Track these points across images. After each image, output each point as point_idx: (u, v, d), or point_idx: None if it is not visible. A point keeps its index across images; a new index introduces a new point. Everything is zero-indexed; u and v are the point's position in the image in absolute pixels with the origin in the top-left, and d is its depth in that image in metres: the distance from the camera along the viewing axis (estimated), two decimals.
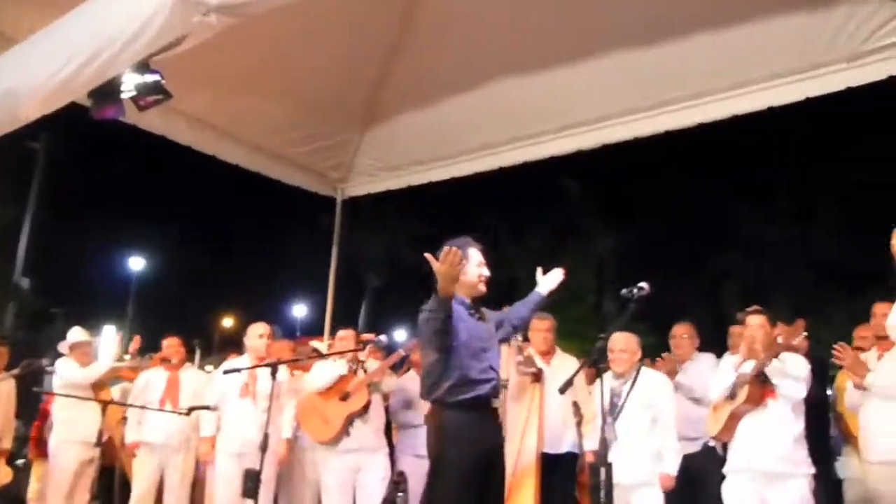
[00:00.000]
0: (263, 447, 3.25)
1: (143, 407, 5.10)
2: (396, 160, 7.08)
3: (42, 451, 5.66)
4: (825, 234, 18.48)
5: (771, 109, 5.37)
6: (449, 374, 3.14)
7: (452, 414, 3.13)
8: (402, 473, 4.51)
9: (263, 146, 6.67)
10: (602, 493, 2.54)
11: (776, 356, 3.80)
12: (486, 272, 3.35)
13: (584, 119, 6.12)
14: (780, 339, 3.81)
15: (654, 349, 5.27)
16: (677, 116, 5.74)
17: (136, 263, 21.10)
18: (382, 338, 3.65)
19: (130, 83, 4.12)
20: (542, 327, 4.82)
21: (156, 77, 4.15)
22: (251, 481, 3.18)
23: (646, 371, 4.39)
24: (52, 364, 5.58)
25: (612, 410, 4.21)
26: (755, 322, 3.94)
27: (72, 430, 5.35)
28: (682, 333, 5.00)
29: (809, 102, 5.20)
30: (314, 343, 5.69)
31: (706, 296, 17.93)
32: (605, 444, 2.68)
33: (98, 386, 5.47)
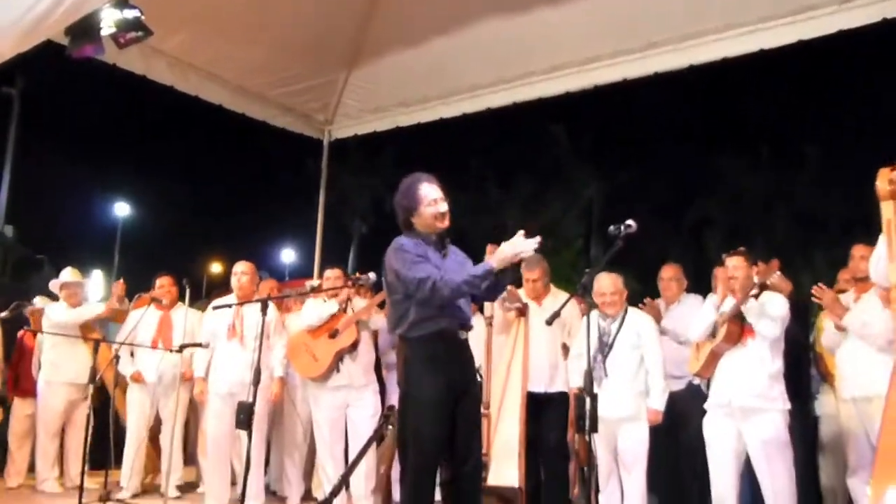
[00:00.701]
0: (256, 381, 3.30)
1: (134, 345, 5.12)
2: (383, 101, 7.01)
3: (22, 390, 5.72)
4: (809, 181, 18.61)
5: (759, 56, 5.34)
6: (413, 310, 3.16)
7: (417, 347, 3.16)
8: (392, 407, 4.56)
9: (247, 87, 6.57)
10: (587, 423, 2.61)
11: (754, 296, 3.88)
12: (442, 208, 3.23)
13: (572, 60, 6.06)
14: (756, 279, 3.88)
15: (639, 296, 5.34)
16: (667, 58, 5.70)
17: (122, 209, 20.97)
18: (371, 275, 3.68)
19: (109, 19, 4.04)
20: (531, 277, 4.87)
21: (135, 13, 4.07)
22: (244, 414, 3.24)
23: (633, 311, 4.48)
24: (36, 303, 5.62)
25: (602, 349, 4.31)
26: (733, 263, 4.01)
27: (60, 370, 5.43)
28: (669, 276, 5.06)
29: (797, 48, 5.18)
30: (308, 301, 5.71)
31: (689, 242, 18.11)
32: (590, 376, 2.75)
33: (87, 328, 5.51)
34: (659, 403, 4.20)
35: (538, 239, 3.03)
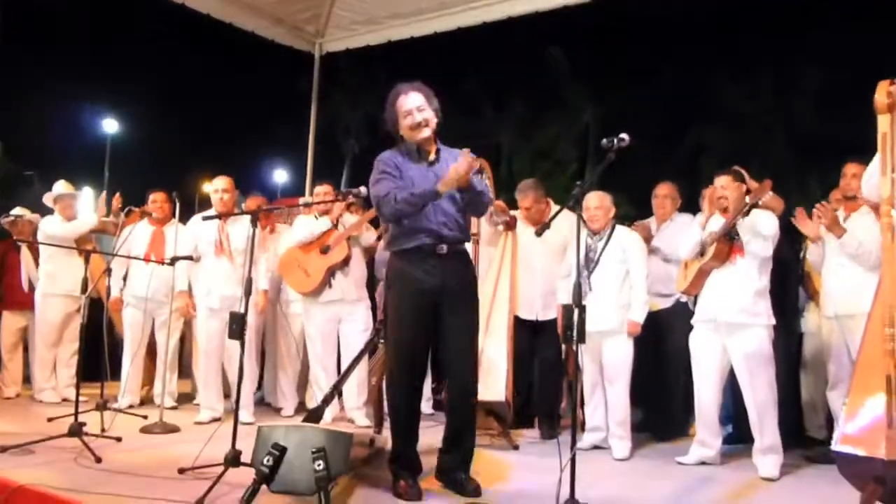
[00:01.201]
0: (248, 292, 3.31)
1: (127, 257, 5.12)
2: (375, 12, 6.81)
3: (11, 303, 5.79)
4: (805, 106, 18.40)
5: None
6: (391, 226, 3.29)
7: (397, 261, 3.27)
8: (383, 320, 4.62)
9: None
10: (574, 333, 2.65)
11: (745, 214, 3.88)
12: (417, 118, 3.20)
13: None
14: (748, 198, 3.88)
15: (632, 220, 5.35)
16: None
17: (110, 126, 20.61)
18: (362, 189, 3.63)
19: None
20: (523, 205, 4.88)
21: None
22: (236, 324, 3.26)
23: (620, 228, 4.49)
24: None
25: (588, 264, 4.34)
26: (721, 182, 3.99)
27: (56, 282, 5.51)
28: (664, 193, 5.04)
29: None
30: (300, 217, 5.67)
31: (685, 168, 18.03)
32: (578, 288, 2.77)
33: (81, 241, 5.50)
34: (638, 315, 4.28)
35: (466, 151, 3.08)
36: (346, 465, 2.83)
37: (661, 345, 4.79)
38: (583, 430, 4.38)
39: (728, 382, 4.13)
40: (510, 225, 4.85)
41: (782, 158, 18.13)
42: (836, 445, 2.73)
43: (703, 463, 4.02)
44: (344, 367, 4.83)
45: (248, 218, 4.99)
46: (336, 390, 3.70)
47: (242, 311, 3.27)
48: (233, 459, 3.18)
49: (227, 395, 5.20)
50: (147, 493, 2.97)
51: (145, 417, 4.70)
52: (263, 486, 2.84)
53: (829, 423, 4.49)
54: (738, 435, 4.46)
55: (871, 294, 2.92)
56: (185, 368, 6.23)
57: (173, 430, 4.52)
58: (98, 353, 5.18)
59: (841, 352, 4.11)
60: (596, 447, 4.39)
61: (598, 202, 4.39)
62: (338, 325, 4.98)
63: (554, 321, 4.68)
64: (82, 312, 4.44)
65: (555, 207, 4.82)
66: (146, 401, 5.63)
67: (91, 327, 4.95)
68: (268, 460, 2.82)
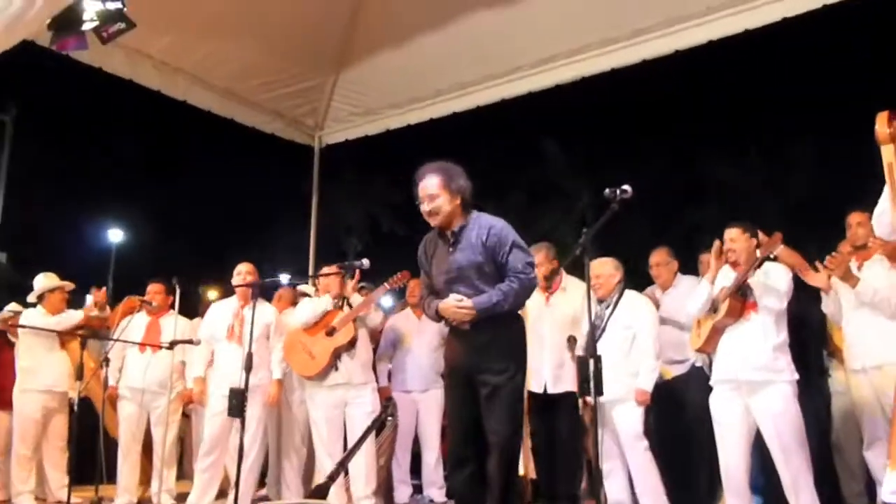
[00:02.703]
0: (248, 367, 3.20)
1: (123, 341, 5.00)
2: (372, 103, 6.98)
3: (3, 403, 5.50)
4: (797, 177, 18.64)
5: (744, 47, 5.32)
6: None
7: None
8: (390, 398, 4.48)
9: (235, 90, 6.53)
10: (591, 385, 2.52)
11: (757, 267, 3.80)
12: (425, 208, 3.35)
13: (559, 52, 6.04)
14: (758, 252, 3.81)
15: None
16: (654, 45, 5.68)
17: (115, 235, 20.87)
18: (365, 261, 3.58)
19: (91, 11, 3.97)
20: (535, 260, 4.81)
21: (118, 4, 4.00)
22: (235, 399, 3.13)
23: (629, 294, 4.40)
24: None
25: (594, 332, 4.22)
26: (731, 235, 3.93)
27: (35, 378, 5.20)
28: (657, 261, 4.94)
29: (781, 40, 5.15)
30: (301, 287, 5.62)
31: (682, 244, 18.05)
32: (592, 339, 2.66)
33: (65, 336, 5.32)
34: (646, 383, 4.13)
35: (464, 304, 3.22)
36: None
37: (680, 413, 4.58)
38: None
39: (754, 447, 3.92)
40: None
41: (780, 228, 18.23)
42: (886, 497, 2.53)
43: None
44: (354, 476, 4.63)
45: (265, 304, 5.01)
46: (343, 467, 3.48)
47: (242, 386, 3.13)
48: None
49: (224, 494, 4.94)
50: None
51: None
52: None
53: (870, 488, 4.25)
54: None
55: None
56: (185, 472, 5.98)
57: None
58: (93, 454, 4.97)
59: (874, 407, 3.93)
60: None
61: (599, 269, 4.31)
62: (344, 410, 4.79)
63: (566, 395, 4.51)
64: (66, 411, 4.20)
65: (572, 285, 4.76)
66: (143, 501, 5.35)
67: (84, 429, 4.79)
68: None
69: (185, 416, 5.61)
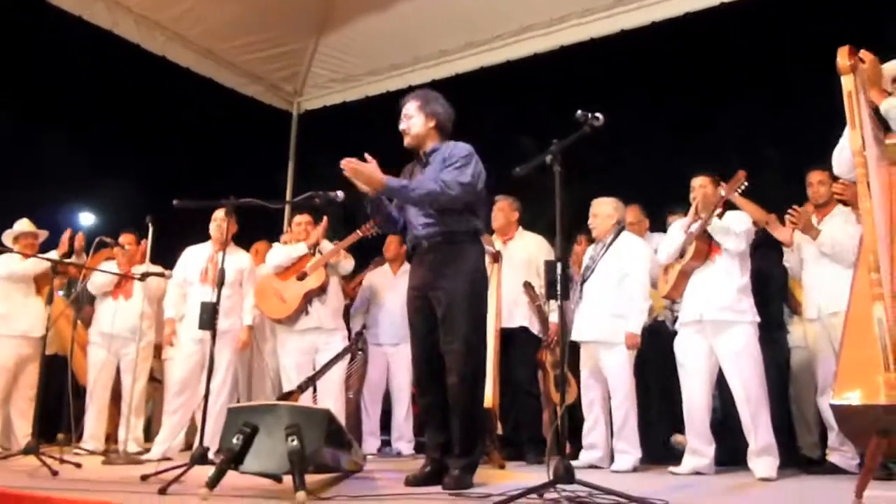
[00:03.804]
0: (220, 281, 3.21)
1: (104, 271, 4.96)
2: (352, 70, 7.03)
3: None
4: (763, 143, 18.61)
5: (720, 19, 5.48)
6: None
7: None
8: (360, 333, 4.52)
9: (215, 51, 6.54)
10: (558, 289, 2.57)
11: (718, 214, 3.92)
12: (400, 126, 3.43)
13: (540, 21, 6.14)
14: (722, 192, 3.92)
15: None
16: (633, 16, 5.80)
17: (86, 219, 20.54)
18: (339, 193, 3.60)
19: None
20: (498, 207, 4.94)
21: None
22: (207, 313, 3.14)
23: (625, 235, 4.44)
24: None
25: (584, 273, 4.31)
26: (698, 182, 4.05)
27: (10, 323, 5.12)
28: (630, 220, 5.00)
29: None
30: (276, 245, 5.60)
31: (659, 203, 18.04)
32: (563, 246, 2.70)
33: (42, 282, 5.27)
34: (634, 326, 4.16)
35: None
36: (321, 442, 2.65)
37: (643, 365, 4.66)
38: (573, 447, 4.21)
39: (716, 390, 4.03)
40: (495, 258, 4.86)
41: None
42: (832, 400, 2.62)
43: (696, 473, 3.84)
44: (320, 398, 4.66)
45: (240, 251, 5.01)
46: (311, 382, 3.53)
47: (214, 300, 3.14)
48: (200, 456, 2.99)
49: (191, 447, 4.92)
50: (109, 491, 2.74)
51: (105, 454, 4.41)
52: (232, 469, 2.64)
53: (823, 440, 4.36)
54: (725, 457, 4.26)
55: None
56: (151, 427, 5.94)
57: (138, 462, 4.23)
58: (59, 410, 4.90)
59: (828, 354, 4.03)
60: (593, 466, 4.18)
61: (597, 208, 4.41)
62: (314, 356, 4.81)
63: (519, 330, 4.71)
64: (39, 360, 4.13)
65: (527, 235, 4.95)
66: (110, 450, 5.29)
67: (51, 384, 4.69)
68: (237, 439, 2.64)
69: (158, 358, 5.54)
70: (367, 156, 3.25)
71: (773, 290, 4.68)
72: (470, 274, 3.20)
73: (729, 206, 4.09)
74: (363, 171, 3.19)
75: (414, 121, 3.39)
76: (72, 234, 5.18)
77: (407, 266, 5.72)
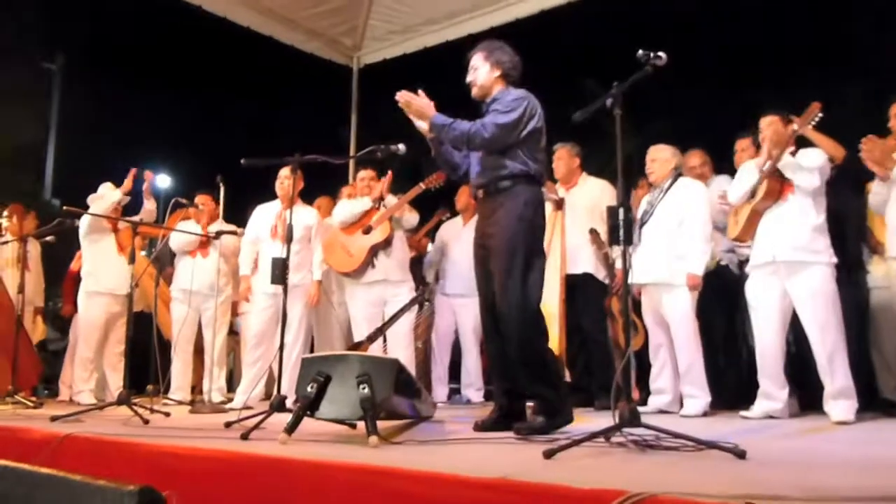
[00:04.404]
0: (289, 238, 3.31)
1: (174, 230, 5.16)
2: (409, 20, 6.96)
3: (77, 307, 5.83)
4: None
5: None
6: None
7: None
8: (427, 283, 4.59)
9: (274, 8, 6.58)
10: (621, 233, 2.54)
11: (791, 152, 3.76)
12: (468, 79, 3.39)
13: None
14: (794, 127, 3.75)
15: None
16: None
17: (163, 181, 21.33)
18: (401, 146, 3.62)
19: None
20: (558, 156, 4.89)
21: None
22: (277, 269, 3.26)
23: (683, 180, 4.36)
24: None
25: (643, 216, 4.26)
26: (766, 121, 3.89)
27: (98, 281, 5.43)
28: (692, 163, 4.86)
29: None
30: (342, 200, 5.68)
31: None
32: (625, 190, 2.65)
33: (124, 242, 5.50)
34: (696, 268, 4.09)
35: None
36: (390, 390, 2.74)
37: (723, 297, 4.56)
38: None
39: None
40: (558, 205, 4.85)
41: None
42: None
43: (769, 417, 3.78)
44: (390, 350, 4.78)
45: (308, 207, 5.15)
46: (380, 332, 3.64)
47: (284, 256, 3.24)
48: (278, 404, 3.13)
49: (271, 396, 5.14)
50: (196, 437, 2.91)
51: (191, 403, 4.67)
52: (308, 416, 2.76)
53: None
54: (802, 403, 4.17)
55: None
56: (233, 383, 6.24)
57: (222, 410, 4.47)
58: (147, 364, 5.18)
59: None
60: (662, 412, 4.18)
61: (652, 154, 4.35)
62: (383, 308, 4.92)
63: (584, 276, 4.70)
64: (127, 316, 4.36)
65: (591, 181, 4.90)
66: (196, 400, 5.60)
67: (139, 339, 4.95)
68: (312, 388, 2.75)
69: (235, 315, 5.80)
70: (419, 91, 3.29)
71: (850, 228, 4.49)
72: (514, 222, 3.13)
73: (803, 143, 3.92)
74: (414, 103, 3.24)
75: (480, 72, 3.36)
76: (136, 175, 5.37)
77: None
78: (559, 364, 4.10)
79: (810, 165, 3.68)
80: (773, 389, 3.80)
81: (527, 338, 3.07)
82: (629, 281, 2.64)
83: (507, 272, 3.10)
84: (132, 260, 4.12)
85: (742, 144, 4.59)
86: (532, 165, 3.21)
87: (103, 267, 5.43)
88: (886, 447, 2.77)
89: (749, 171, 3.99)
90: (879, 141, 3.85)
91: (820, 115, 3.68)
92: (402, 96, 3.24)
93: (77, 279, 5.74)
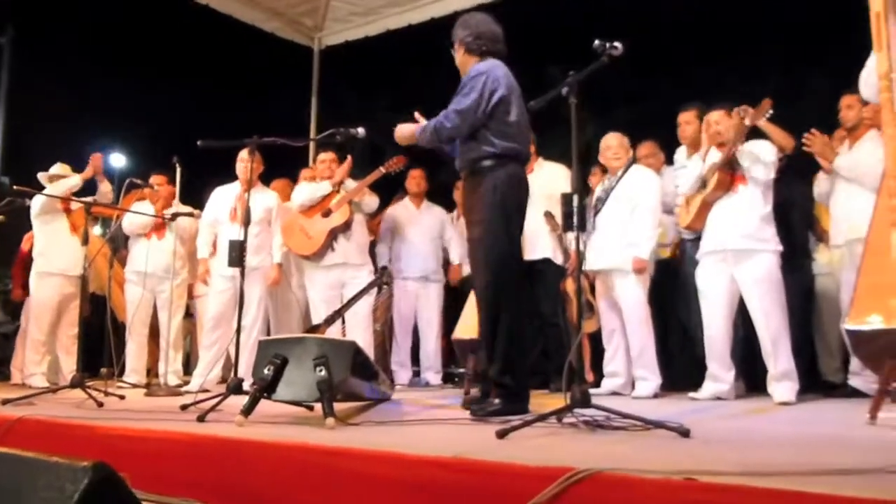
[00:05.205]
0: (246, 221, 3.30)
1: (130, 210, 5.09)
2: (372, 2, 6.90)
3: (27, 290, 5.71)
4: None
5: None
6: None
7: None
8: (385, 267, 4.62)
9: None
10: (574, 220, 2.60)
11: (743, 140, 3.87)
12: None
13: None
14: (747, 121, 3.85)
15: None
16: None
17: (117, 160, 20.83)
18: (360, 130, 3.62)
19: None
20: None
21: None
22: (235, 251, 3.25)
23: (636, 168, 4.47)
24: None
25: (597, 204, 4.34)
26: (714, 117, 4.01)
27: (50, 262, 5.33)
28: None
29: None
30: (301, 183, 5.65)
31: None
32: (579, 179, 2.72)
33: (77, 222, 5.41)
34: (644, 252, 4.22)
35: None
36: (347, 372, 2.77)
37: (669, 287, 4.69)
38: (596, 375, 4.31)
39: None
40: None
41: None
42: (847, 325, 2.66)
43: (717, 398, 3.92)
44: (348, 331, 4.80)
45: (267, 190, 5.10)
46: (338, 314, 3.67)
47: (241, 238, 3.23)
48: (235, 387, 3.13)
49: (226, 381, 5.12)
50: (151, 420, 2.90)
51: (147, 386, 4.63)
52: (265, 398, 2.78)
53: (846, 365, 4.39)
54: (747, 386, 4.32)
55: None
56: (190, 362, 6.19)
57: (178, 393, 4.44)
58: (102, 346, 5.10)
59: (852, 280, 4.02)
60: (615, 394, 4.29)
61: (617, 141, 4.42)
62: (341, 291, 4.92)
63: (542, 262, 4.75)
64: (79, 298, 4.28)
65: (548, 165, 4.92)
66: (151, 383, 5.55)
67: (92, 321, 4.86)
68: (268, 370, 2.77)
69: (192, 298, 5.75)
70: (416, 114, 3.35)
71: (797, 217, 4.65)
72: (485, 209, 3.11)
73: (753, 135, 4.04)
74: (399, 135, 3.33)
75: (455, 53, 3.37)
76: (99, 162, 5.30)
77: (428, 202, 5.78)
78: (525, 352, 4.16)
79: (766, 159, 3.80)
80: (720, 372, 3.94)
81: (488, 313, 3.10)
82: (584, 267, 2.72)
83: (480, 259, 3.14)
84: (86, 241, 4.05)
85: (686, 117, 4.66)
86: (500, 144, 3.12)
87: (56, 248, 5.33)
88: (823, 426, 2.90)
89: (696, 162, 4.10)
90: (821, 136, 4.00)
91: (770, 111, 3.79)
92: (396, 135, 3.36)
93: (27, 262, 5.63)
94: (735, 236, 3.84)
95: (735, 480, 1.43)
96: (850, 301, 2.80)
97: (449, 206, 5.96)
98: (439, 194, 6.09)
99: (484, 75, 3.14)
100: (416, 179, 5.61)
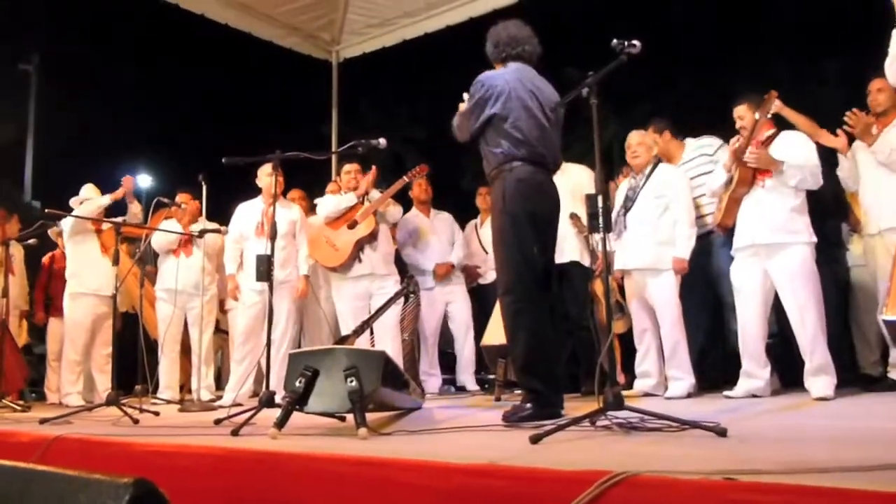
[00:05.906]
0: (273, 234, 3.33)
1: (157, 230, 5.16)
2: (387, 13, 6.95)
3: (57, 310, 5.82)
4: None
5: None
6: None
7: None
8: (411, 276, 4.61)
9: (250, 4, 6.55)
10: (600, 221, 2.58)
11: (771, 132, 3.83)
12: None
13: None
14: (756, 115, 3.81)
15: None
16: None
17: (144, 181, 21.18)
18: (382, 140, 3.64)
19: None
20: None
21: None
22: (262, 265, 3.27)
23: (662, 166, 4.43)
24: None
25: (626, 203, 4.31)
26: (738, 112, 3.98)
27: (82, 283, 5.44)
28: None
29: None
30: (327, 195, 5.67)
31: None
32: (602, 180, 2.70)
33: (107, 243, 5.51)
34: (683, 252, 4.15)
35: None
36: (378, 382, 2.77)
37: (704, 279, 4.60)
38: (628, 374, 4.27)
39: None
40: None
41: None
42: (885, 315, 2.60)
43: (752, 396, 3.85)
44: (377, 342, 4.80)
45: (291, 204, 5.14)
46: (366, 325, 3.67)
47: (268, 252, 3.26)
48: (268, 400, 3.15)
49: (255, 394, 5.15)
50: (186, 435, 2.93)
51: (181, 402, 4.68)
52: (297, 411, 2.79)
53: (885, 357, 4.30)
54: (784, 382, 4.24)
55: None
56: (222, 378, 6.25)
57: (211, 408, 4.49)
58: (135, 364, 5.17)
59: (888, 268, 3.94)
60: (647, 395, 4.24)
61: (639, 138, 4.39)
62: (369, 302, 4.95)
63: (570, 265, 4.69)
64: (112, 318, 4.35)
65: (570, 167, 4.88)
66: (185, 399, 5.61)
67: (125, 339, 4.94)
68: (300, 382, 2.78)
69: (223, 312, 5.81)
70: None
71: (829, 207, 4.56)
72: (497, 216, 3.21)
73: (781, 125, 3.99)
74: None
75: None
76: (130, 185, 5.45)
77: (436, 211, 5.73)
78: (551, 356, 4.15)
79: (803, 163, 3.71)
80: (754, 369, 3.87)
81: (509, 320, 3.15)
82: (614, 267, 2.69)
83: (497, 266, 3.22)
84: (116, 261, 4.11)
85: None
86: (506, 149, 3.15)
87: (88, 268, 5.46)
88: (862, 420, 2.84)
89: (719, 167, 4.06)
90: (863, 115, 3.93)
91: (776, 102, 3.75)
92: None
93: (47, 284, 5.76)
94: (764, 230, 3.78)
95: (776, 479, 1.40)
96: (887, 291, 2.73)
97: (472, 212, 5.95)
98: (460, 201, 6.09)
99: (480, 83, 3.24)
100: (422, 187, 5.59)
